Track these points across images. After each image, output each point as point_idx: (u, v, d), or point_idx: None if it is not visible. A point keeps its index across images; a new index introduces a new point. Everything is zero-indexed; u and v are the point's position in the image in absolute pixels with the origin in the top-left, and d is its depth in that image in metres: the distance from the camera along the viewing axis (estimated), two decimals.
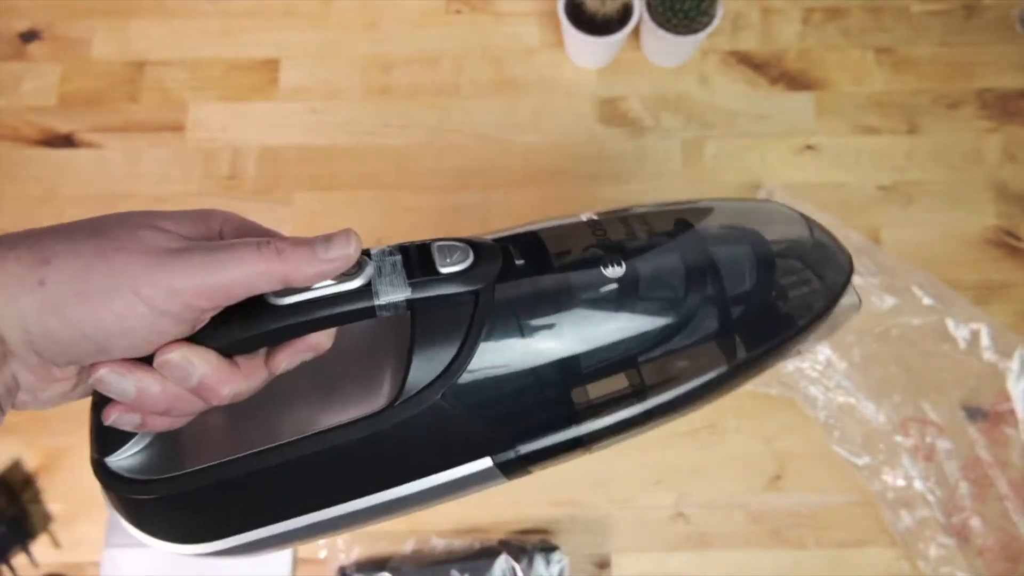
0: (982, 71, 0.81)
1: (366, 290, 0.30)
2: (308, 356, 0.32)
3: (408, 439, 0.33)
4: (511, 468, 0.36)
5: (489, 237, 0.36)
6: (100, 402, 0.32)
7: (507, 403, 0.34)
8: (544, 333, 0.33)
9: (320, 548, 0.68)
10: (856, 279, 0.73)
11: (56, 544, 0.69)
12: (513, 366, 0.33)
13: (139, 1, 0.84)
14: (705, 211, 0.39)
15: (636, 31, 0.79)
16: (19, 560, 0.68)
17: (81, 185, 0.78)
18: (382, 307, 0.31)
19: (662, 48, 0.78)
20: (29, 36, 0.83)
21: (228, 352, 0.30)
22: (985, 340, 0.70)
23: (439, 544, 0.67)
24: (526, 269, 0.34)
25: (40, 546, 0.69)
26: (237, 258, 0.28)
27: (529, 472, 0.37)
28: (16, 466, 0.70)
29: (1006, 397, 0.69)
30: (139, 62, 0.82)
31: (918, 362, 0.71)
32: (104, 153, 0.79)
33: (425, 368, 0.32)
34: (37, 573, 0.68)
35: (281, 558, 0.68)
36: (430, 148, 0.79)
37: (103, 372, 0.29)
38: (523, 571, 0.65)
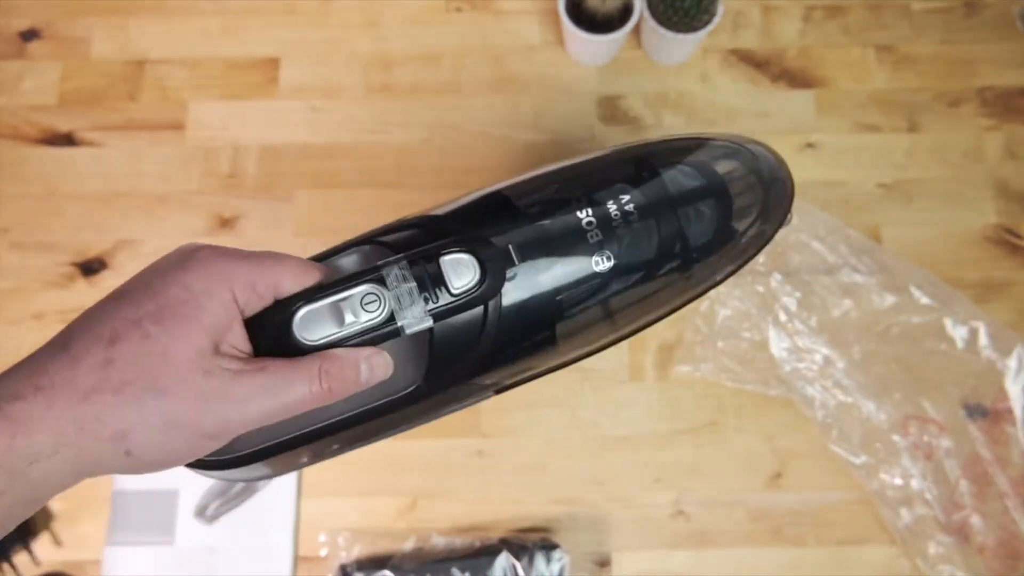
0: (983, 69, 0.81)
1: (390, 321, 0.33)
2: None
3: (433, 408, 0.38)
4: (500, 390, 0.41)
5: (456, 204, 0.40)
6: None
7: (514, 346, 0.38)
8: (542, 289, 0.37)
9: (321, 546, 0.68)
10: (856, 277, 0.73)
11: (57, 542, 0.69)
12: (521, 323, 0.37)
13: (139, 0, 0.84)
14: (658, 152, 0.43)
15: (637, 29, 0.79)
16: (21, 558, 0.68)
17: (81, 184, 0.78)
18: (406, 333, 0.33)
19: (663, 46, 0.78)
20: (29, 35, 0.83)
21: None
22: (984, 339, 0.70)
23: (440, 542, 0.68)
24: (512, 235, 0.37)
25: (41, 544, 0.69)
26: (289, 404, 0.31)
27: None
28: None
29: (1006, 395, 0.69)
30: (139, 61, 0.82)
31: (918, 360, 0.71)
32: (104, 152, 0.79)
33: (446, 352, 0.35)
34: (38, 571, 0.68)
35: (282, 557, 0.68)
36: (430, 146, 0.79)
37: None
38: (524, 569, 0.65)
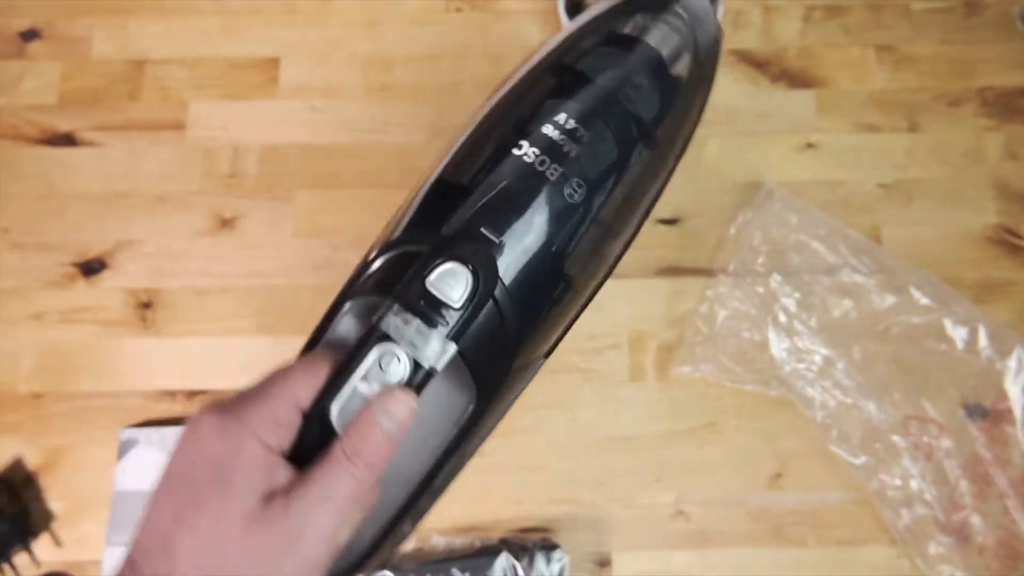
0: (983, 69, 0.81)
1: (417, 369, 0.32)
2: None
3: (500, 412, 0.38)
4: None
5: (404, 219, 0.38)
6: None
7: (538, 312, 0.37)
8: (533, 239, 0.36)
9: None
10: (856, 277, 0.73)
11: (58, 542, 0.69)
12: (533, 290, 0.36)
13: (139, 0, 0.84)
14: (563, 50, 0.41)
15: None
16: (21, 558, 0.68)
17: (81, 184, 0.78)
18: (438, 371, 0.32)
19: None
20: (29, 35, 0.83)
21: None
22: (984, 339, 0.70)
23: (440, 543, 0.68)
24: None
25: (42, 544, 0.69)
26: (341, 506, 0.30)
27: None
28: (18, 464, 0.71)
29: (1006, 395, 0.69)
30: (139, 60, 0.82)
31: (918, 360, 0.71)
32: (105, 152, 0.79)
33: (482, 358, 0.34)
34: (38, 571, 0.68)
35: None
36: (431, 146, 0.79)
37: None
38: (524, 570, 0.65)
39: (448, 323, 0.32)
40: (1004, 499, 0.67)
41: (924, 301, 0.71)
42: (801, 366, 0.71)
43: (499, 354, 0.35)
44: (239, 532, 0.28)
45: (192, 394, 0.72)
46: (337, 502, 0.29)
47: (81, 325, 0.73)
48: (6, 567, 0.67)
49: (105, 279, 0.75)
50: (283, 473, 0.30)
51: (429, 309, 0.32)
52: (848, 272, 0.73)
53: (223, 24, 0.83)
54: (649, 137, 0.39)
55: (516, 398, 0.38)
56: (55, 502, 0.70)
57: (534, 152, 0.36)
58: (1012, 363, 0.70)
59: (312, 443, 0.31)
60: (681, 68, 0.41)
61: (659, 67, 0.40)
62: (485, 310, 0.33)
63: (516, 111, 0.39)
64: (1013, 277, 0.74)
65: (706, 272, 0.74)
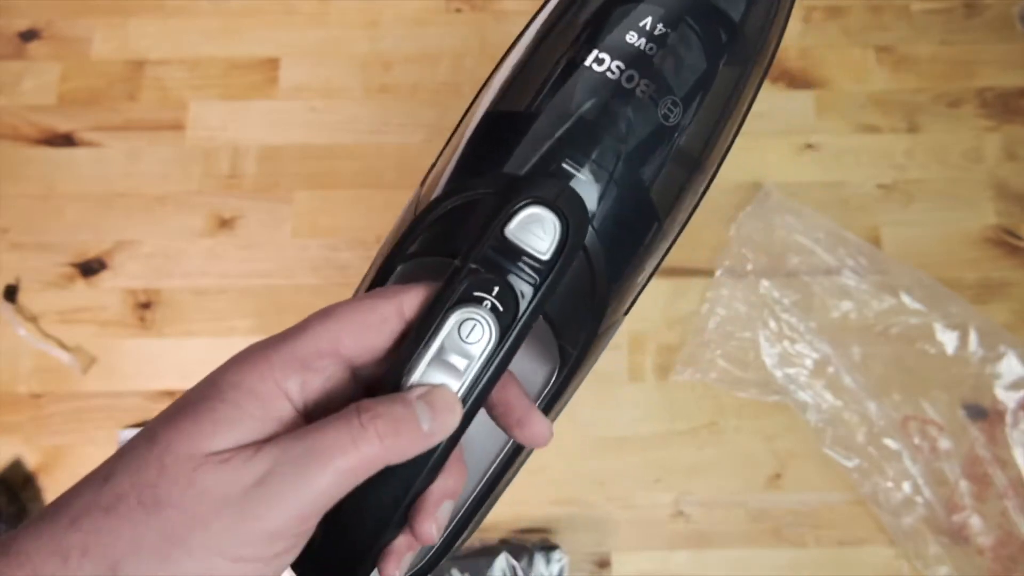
0: (982, 70, 0.81)
1: (505, 337, 0.26)
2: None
3: (579, 380, 0.33)
4: None
5: (451, 165, 0.32)
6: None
7: (628, 260, 0.31)
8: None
9: None
10: (855, 279, 0.73)
11: None
12: (623, 232, 0.30)
13: (139, 0, 0.84)
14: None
15: None
16: None
17: (81, 184, 0.78)
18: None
19: None
20: (29, 35, 0.83)
21: None
22: (982, 340, 0.70)
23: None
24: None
25: None
26: (330, 462, 0.23)
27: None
28: (16, 465, 0.70)
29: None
30: (139, 61, 0.82)
31: (918, 361, 0.71)
32: (104, 152, 0.79)
33: (568, 320, 0.29)
34: None
35: None
36: (430, 147, 0.79)
37: None
38: (523, 570, 0.65)
39: (535, 280, 0.26)
40: (1004, 499, 0.67)
41: (920, 303, 0.71)
42: (792, 370, 0.71)
43: (587, 313, 0.29)
44: (188, 469, 0.22)
45: None
46: (323, 465, 0.23)
47: (80, 325, 0.73)
48: None
49: (104, 279, 0.75)
50: (283, 423, 0.24)
51: (512, 265, 0.26)
52: (847, 273, 0.73)
53: (223, 24, 0.83)
54: (738, 41, 0.32)
55: (595, 363, 0.33)
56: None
57: (617, 65, 0.29)
58: (1007, 364, 0.70)
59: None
60: None
61: None
62: (575, 262, 0.27)
63: (584, 19, 0.31)
64: (1012, 277, 0.75)
65: (705, 273, 0.74)
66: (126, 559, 0.22)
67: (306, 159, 0.79)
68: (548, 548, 0.66)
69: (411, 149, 0.79)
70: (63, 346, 0.72)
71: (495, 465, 0.32)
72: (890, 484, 0.68)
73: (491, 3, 0.84)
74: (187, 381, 0.72)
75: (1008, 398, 0.69)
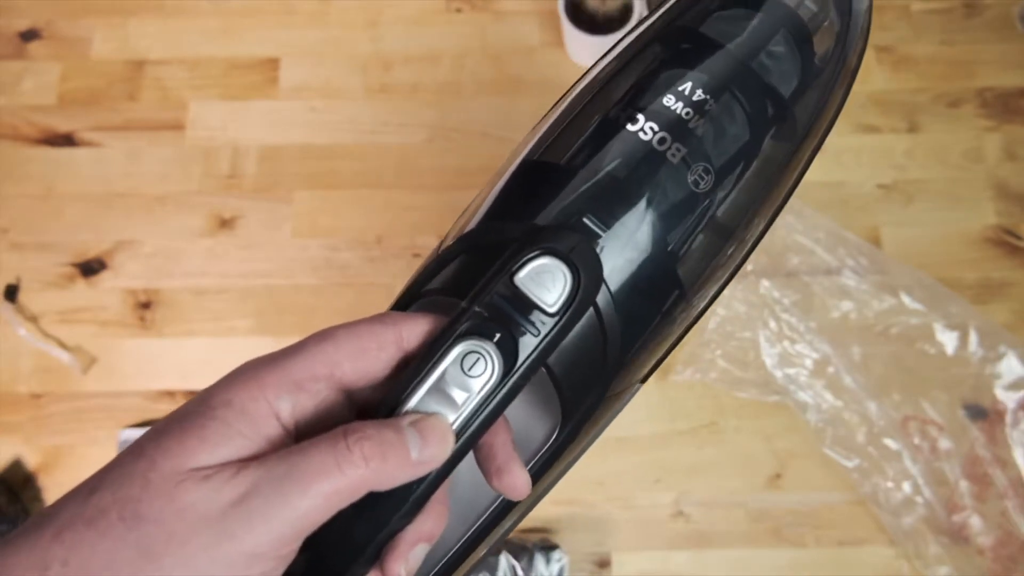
0: (982, 70, 0.81)
1: (504, 381, 0.25)
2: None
3: (586, 441, 0.33)
4: None
5: (483, 207, 0.31)
6: None
7: (645, 327, 0.30)
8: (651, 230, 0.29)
9: None
10: (855, 279, 0.73)
11: None
12: (641, 298, 0.29)
13: (139, 0, 0.84)
14: (680, 13, 0.33)
15: None
16: None
17: (81, 184, 0.78)
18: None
19: None
20: (29, 35, 0.83)
21: None
22: (982, 340, 0.70)
23: None
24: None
25: None
26: (312, 483, 0.23)
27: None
28: (16, 465, 0.70)
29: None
30: (139, 61, 0.82)
31: (918, 361, 0.71)
32: (104, 152, 0.79)
33: (574, 377, 0.29)
34: None
35: None
36: (430, 147, 0.79)
37: None
38: (523, 570, 0.65)
39: (539, 331, 0.26)
40: (1004, 499, 0.67)
41: (920, 303, 0.71)
42: (792, 371, 0.71)
43: (594, 375, 0.29)
44: (171, 485, 0.22)
45: (191, 394, 0.72)
46: (305, 487, 0.22)
47: (80, 325, 0.73)
48: None
49: (104, 279, 0.75)
50: (271, 443, 0.24)
51: (516, 313, 0.26)
52: (847, 273, 0.73)
53: (223, 24, 0.83)
54: (786, 119, 0.31)
55: (606, 427, 0.32)
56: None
57: (651, 127, 0.29)
58: (1007, 364, 0.70)
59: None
60: (825, 38, 0.33)
61: (799, 33, 0.32)
62: (584, 319, 0.27)
63: (625, 81, 0.31)
64: (1012, 277, 0.75)
65: None
66: (103, 574, 0.21)
67: (306, 159, 0.79)
68: (548, 548, 0.66)
69: (411, 149, 0.79)
70: (63, 346, 0.72)
71: (484, 518, 0.30)
72: (890, 484, 0.68)
73: (491, 3, 0.84)
74: (187, 381, 0.72)
75: (1008, 398, 0.69)
